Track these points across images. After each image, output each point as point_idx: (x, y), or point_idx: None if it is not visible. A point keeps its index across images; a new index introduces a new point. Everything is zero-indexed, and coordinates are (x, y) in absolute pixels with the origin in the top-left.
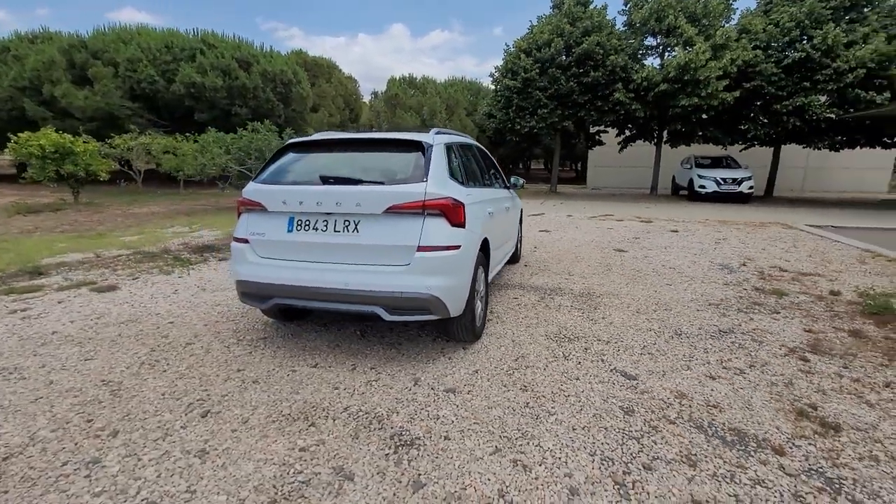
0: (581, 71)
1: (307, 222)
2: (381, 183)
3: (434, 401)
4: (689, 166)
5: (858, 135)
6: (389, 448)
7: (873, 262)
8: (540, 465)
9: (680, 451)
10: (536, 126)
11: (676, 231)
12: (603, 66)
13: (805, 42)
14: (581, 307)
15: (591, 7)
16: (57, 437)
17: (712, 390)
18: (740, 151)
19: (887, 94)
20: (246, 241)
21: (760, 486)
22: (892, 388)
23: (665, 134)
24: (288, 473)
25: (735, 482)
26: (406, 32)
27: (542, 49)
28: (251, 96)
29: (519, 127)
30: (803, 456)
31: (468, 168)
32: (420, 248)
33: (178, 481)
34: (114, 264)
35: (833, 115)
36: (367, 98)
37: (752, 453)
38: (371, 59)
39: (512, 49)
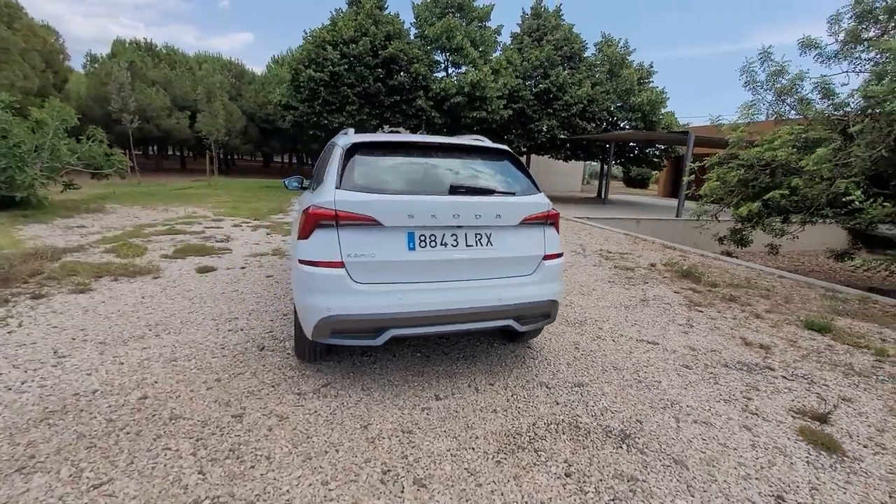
0: (386, 73)
1: (433, 237)
2: (513, 194)
3: (581, 397)
4: None
5: (579, 150)
6: (620, 446)
7: (643, 244)
8: (712, 420)
9: (742, 383)
10: (345, 123)
11: None
12: (407, 72)
13: (545, 79)
14: None
15: (387, 12)
16: None
17: (696, 340)
18: None
19: (594, 125)
20: (340, 266)
21: (790, 391)
22: (761, 319)
23: None
24: (592, 499)
25: (783, 392)
26: None
27: (350, 45)
28: None
29: (326, 122)
30: (781, 366)
31: None
32: (546, 257)
33: None
34: None
35: (563, 136)
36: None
37: (764, 373)
38: (34, 4)
39: (310, 37)
